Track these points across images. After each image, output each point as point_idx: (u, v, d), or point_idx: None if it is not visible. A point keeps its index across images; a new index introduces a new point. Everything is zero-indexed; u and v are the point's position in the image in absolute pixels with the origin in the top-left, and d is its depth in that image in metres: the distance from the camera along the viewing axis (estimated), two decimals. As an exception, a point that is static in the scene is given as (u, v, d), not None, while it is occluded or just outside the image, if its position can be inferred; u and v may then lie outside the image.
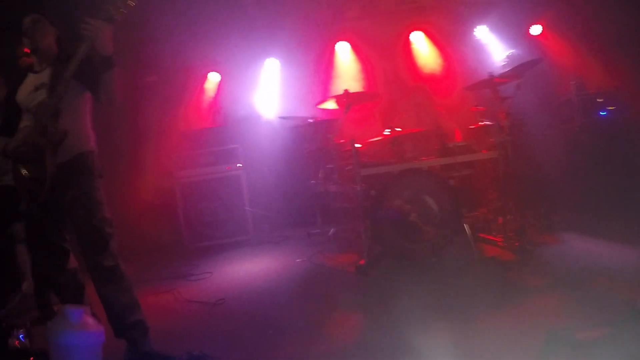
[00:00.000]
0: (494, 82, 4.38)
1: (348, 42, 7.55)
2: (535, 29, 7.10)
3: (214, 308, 3.86)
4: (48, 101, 2.89)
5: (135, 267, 5.61)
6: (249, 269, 5.04)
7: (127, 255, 5.08)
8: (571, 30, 6.75)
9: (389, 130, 4.57)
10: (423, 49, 7.43)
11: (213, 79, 7.67)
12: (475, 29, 7.30)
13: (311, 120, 5.53)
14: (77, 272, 3.17)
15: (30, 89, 3.03)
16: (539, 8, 6.81)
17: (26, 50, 3.04)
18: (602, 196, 5.22)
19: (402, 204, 4.09)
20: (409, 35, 7.44)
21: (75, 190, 2.94)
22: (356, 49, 7.51)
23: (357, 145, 4.34)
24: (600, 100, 5.86)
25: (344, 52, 7.58)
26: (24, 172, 2.94)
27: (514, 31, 7.06)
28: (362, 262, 4.23)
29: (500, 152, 4.33)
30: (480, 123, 4.95)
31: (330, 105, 4.90)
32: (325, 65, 7.47)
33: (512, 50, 6.76)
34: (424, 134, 4.70)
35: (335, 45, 7.57)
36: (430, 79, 7.07)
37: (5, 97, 3.18)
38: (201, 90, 7.63)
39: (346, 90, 4.63)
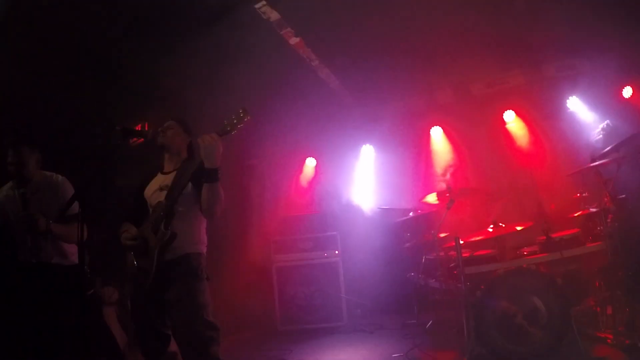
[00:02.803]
0: (595, 166, 4.29)
1: (442, 128, 7.56)
2: (627, 92, 6.67)
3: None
4: (165, 202, 3.10)
5: (227, 343, 5.77)
6: (344, 361, 4.97)
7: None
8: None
9: (493, 226, 4.48)
10: (517, 131, 7.24)
11: (310, 164, 7.98)
12: (567, 101, 7.01)
13: (412, 214, 5.57)
14: (177, 356, 3.23)
15: (156, 188, 3.27)
16: (627, 70, 6.45)
17: (139, 134, 3.23)
18: None
19: (509, 304, 3.95)
20: (502, 117, 7.31)
21: (178, 290, 3.04)
22: (449, 135, 7.52)
23: (460, 241, 4.30)
24: None
25: (439, 137, 7.61)
26: (134, 261, 3.16)
27: (606, 97, 6.71)
28: (463, 362, 4.08)
29: (607, 241, 4.14)
30: (584, 210, 4.70)
31: (432, 198, 4.94)
32: (422, 153, 7.52)
33: (606, 122, 6.42)
34: (528, 229, 4.56)
35: (430, 130, 7.62)
36: (529, 162, 6.84)
37: (137, 188, 3.43)
38: (299, 175, 7.94)
39: (448, 185, 4.66)
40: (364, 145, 7.85)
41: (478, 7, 5.23)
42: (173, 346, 3.25)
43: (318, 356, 5.21)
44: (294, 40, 5.29)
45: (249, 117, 3.04)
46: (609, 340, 4.06)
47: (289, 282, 6.47)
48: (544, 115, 7.07)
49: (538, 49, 6.37)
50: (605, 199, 4.27)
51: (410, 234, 5.74)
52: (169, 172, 3.31)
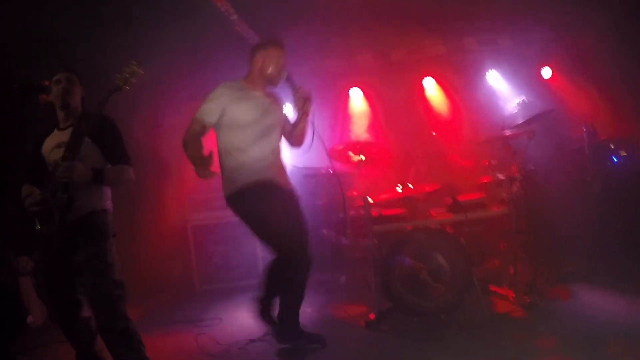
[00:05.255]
0: (505, 136, 4.49)
1: (361, 89, 7.63)
2: (546, 72, 7.08)
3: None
4: (61, 163, 2.97)
5: (144, 307, 5.74)
6: (258, 316, 5.03)
7: (137, 294, 5.12)
8: (580, 73, 6.71)
9: (401, 186, 4.63)
10: (435, 98, 7.47)
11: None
12: (487, 74, 7.34)
13: (325, 172, 5.60)
14: (90, 320, 3.19)
15: (54, 145, 3.13)
16: (547, 51, 6.85)
17: (42, 90, 3.10)
18: (615, 246, 5.17)
19: (413, 261, 4.12)
20: (421, 84, 7.51)
21: (85, 252, 2.99)
22: (369, 97, 7.60)
23: (369, 200, 4.40)
24: (612, 146, 5.77)
25: (357, 99, 7.66)
26: (37, 226, 3.03)
27: (525, 74, 7.06)
28: (371, 316, 4.25)
29: (512, 207, 4.36)
30: (492, 177, 4.96)
31: (344, 157, 4.97)
32: (340, 114, 7.54)
33: (522, 97, 6.73)
34: (436, 192, 4.75)
35: (349, 91, 7.65)
36: (443, 129, 7.05)
37: (33, 146, 3.25)
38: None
39: (360, 143, 4.72)
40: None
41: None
42: (86, 311, 3.19)
43: (234, 313, 5.25)
44: (211, -8, 5.05)
45: (142, 71, 2.97)
46: (510, 298, 4.32)
47: (206, 241, 6.43)
48: (462, 85, 7.28)
49: (460, 21, 6.45)
50: (513, 168, 4.47)
51: (324, 192, 5.79)
52: (66, 128, 3.17)
